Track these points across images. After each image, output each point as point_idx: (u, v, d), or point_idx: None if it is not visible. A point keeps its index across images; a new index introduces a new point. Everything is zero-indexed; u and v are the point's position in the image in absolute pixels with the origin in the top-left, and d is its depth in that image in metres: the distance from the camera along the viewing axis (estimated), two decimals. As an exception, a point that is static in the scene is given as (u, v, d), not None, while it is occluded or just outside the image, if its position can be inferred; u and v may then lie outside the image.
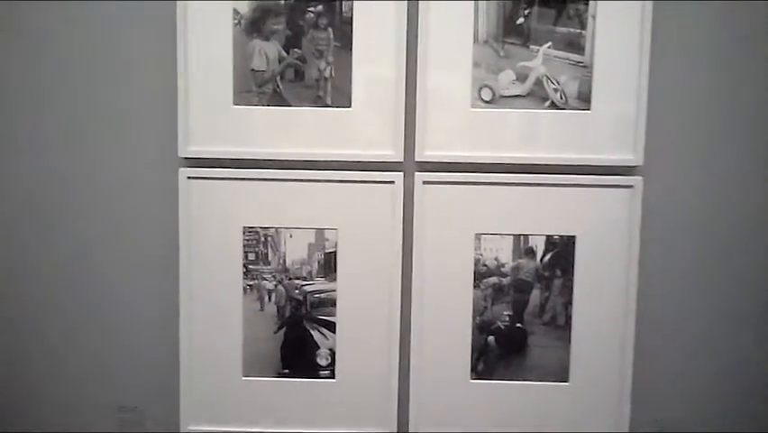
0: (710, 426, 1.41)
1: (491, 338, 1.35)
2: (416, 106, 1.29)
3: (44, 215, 1.38)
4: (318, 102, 1.30)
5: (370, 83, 1.29)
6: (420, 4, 1.27)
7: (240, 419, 1.37)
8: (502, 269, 1.33)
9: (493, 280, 1.33)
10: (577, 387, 1.35)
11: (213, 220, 1.33)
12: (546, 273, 1.33)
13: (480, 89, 1.29)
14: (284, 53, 1.29)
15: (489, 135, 1.30)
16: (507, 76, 1.29)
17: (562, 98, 1.29)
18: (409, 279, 1.33)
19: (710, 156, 1.34)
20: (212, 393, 1.36)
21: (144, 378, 1.41)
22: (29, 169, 1.37)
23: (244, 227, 1.33)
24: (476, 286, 1.33)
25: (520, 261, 1.33)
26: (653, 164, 1.32)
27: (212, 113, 1.30)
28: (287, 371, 1.36)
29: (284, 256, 1.34)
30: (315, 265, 1.34)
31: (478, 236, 1.32)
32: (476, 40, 1.28)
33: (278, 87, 1.30)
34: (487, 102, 1.30)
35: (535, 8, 1.27)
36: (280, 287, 1.34)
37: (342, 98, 1.29)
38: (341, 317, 1.34)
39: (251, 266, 1.34)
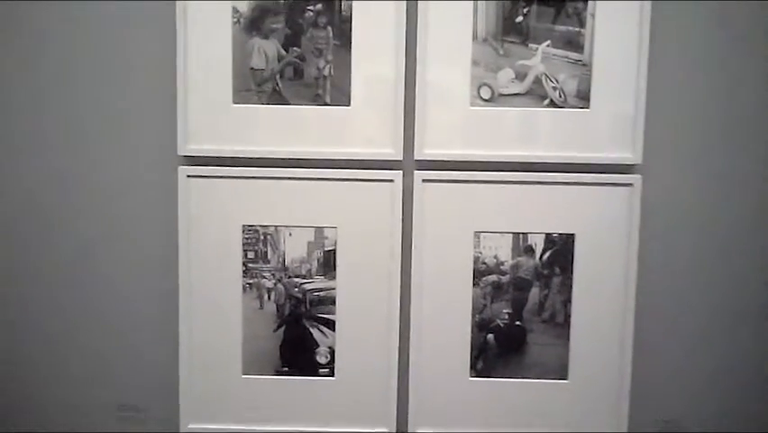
0: (710, 424, 1.41)
1: (490, 336, 1.35)
2: (416, 105, 1.29)
3: (44, 214, 1.38)
4: (318, 100, 1.30)
5: (370, 81, 1.29)
6: (419, 3, 1.27)
7: (239, 418, 1.37)
8: (501, 267, 1.33)
9: (492, 278, 1.33)
10: (576, 385, 1.35)
11: (212, 218, 1.33)
12: (545, 271, 1.33)
13: (480, 88, 1.29)
14: (283, 52, 1.30)
15: (488, 134, 1.30)
16: (507, 74, 1.29)
17: (561, 97, 1.29)
18: (408, 277, 1.33)
19: (709, 154, 1.35)
20: (211, 391, 1.36)
21: (144, 376, 1.42)
22: (28, 168, 1.37)
23: (244, 226, 1.33)
24: (475, 284, 1.33)
25: (519, 259, 1.33)
26: (652, 163, 1.32)
27: (211, 111, 1.30)
28: (286, 369, 1.36)
29: (283, 254, 1.34)
30: (315, 263, 1.34)
31: (477, 234, 1.32)
32: (475, 38, 1.28)
33: (277, 85, 1.30)
34: (486, 100, 1.30)
35: (534, 6, 1.27)
36: (280, 285, 1.34)
37: (342, 97, 1.30)
38: (340, 315, 1.34)
39: (250, 264, 1.34)
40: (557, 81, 1.29)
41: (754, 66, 1.33)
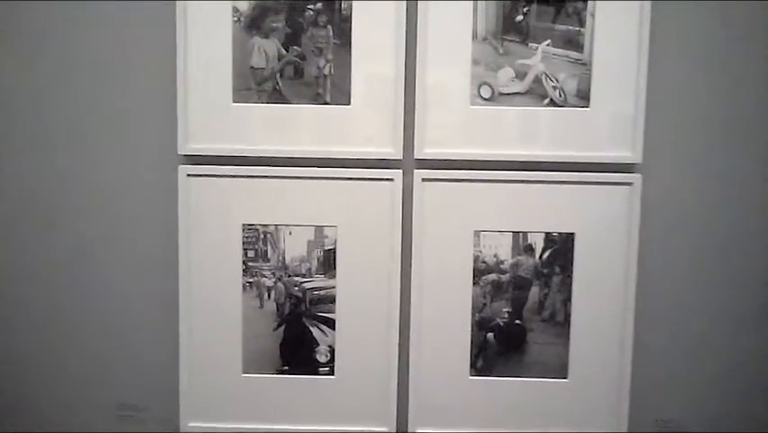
0: (710, 423, 1.41)
1: (490, 335, 1.35)
2: (416, 104, 1.29)
3: (44, 214, 1.38)
4: (318, 99, 1.30)
5: (370, 80, 1.29)
6: (419, 2, 1.27)
7: (239, 416, 1.37)
8: (501, 266, 1.33)
9: (492, 277, 1.34)
10: (576, 384, 1.35)
11: (212, 217, 1.33)
12: (545, 270, 1.33)
13: (480, 87, 1.29)
14: (283, 51, 1.30)
15: (488, 133, 1.30)
16: (507, 73, 1.30)
17: (561, 96, 1.29)
18: (408, 276, 1.33)
19: (709, 154, 1.35)
20: (212, 390, 1.36)
21: (144, 376, 1.41)
22: (29, 168, 1.37)
23: (244, 224, 1.33)
24: (475, 283, 1.33)
25: (519, 258, 1.33)
26: (652, 162, 1.32)
27: (211, 110, 1.30)
28: (286, 368, 1.36)
29: (283, 253, 1.34)
30: (315, 262, 1.34)
31: (477, 233, 1.33)
32: (475, 37, 1.28)
33: (277, 84, 1.30)
34: (486, 99, 1.30)
35: (534, 6, 1.28)
36: (280, 284, 1.34)
37: (342, 96, 1.30)
38: (340, 314, 1.34)
39: (250, 263, 1.34)
40: (557, 80, 1.29)
41: (755, 65, 1.33)
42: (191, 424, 1.37)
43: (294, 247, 1.33)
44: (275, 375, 1.36)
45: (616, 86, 1.29)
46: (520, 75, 1.30)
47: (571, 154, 1.30)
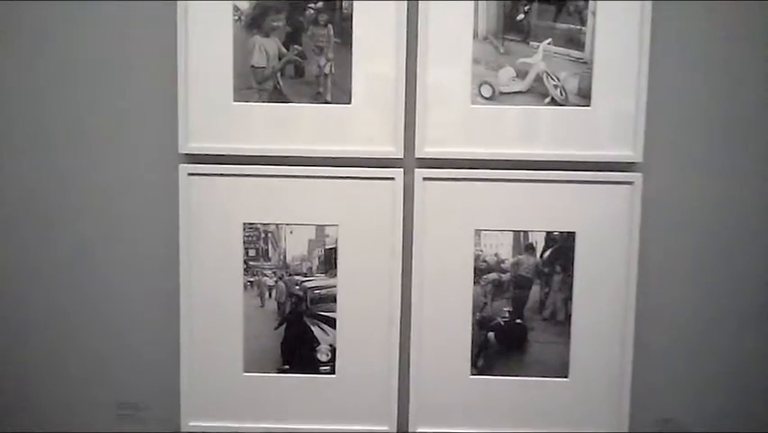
0: (710, 423, 1.41)
1: (491, 334, 1.35)
2: (416, 103, 1.29)
3: (45, 213, 1.38)
4: (318, 98, 1.30)
5: (370, 79, 1.29)
6: (420, 2, 1.27)
7: (240, 416, 1.37)
8: (502, 265, 1.33)
9: (493, 276, 1.33)
10: (577, 383, 1.35)
11: (213, 216, 1.33)
12: (546, 269, 1.33)
13: (480, 86, 1.29)
14: (284, 50, 1.30)
15: (488, 132, 1.30)
16: (507, 72, 1.30)
17: (561, 95, 1.29)
18: (409, 275, 1.33)
19: (710, 153, 1.35)
20: (213, 389, 1.36)
21: (145, 375, 1.41)
22: (29, 167, 1.37)
23: (244, 224, 1.33)
24: (476, 282, 1.33)
25: (520, 257, 1.33)
26: (653, 161, 1.32)
27: (212, 110, 1.30)
28: (287, 367, 1.36)
29: (284, 252, 1.34)
30: (316, 261, 1.34)
31: (478, 232, 1.33)
32: (476, 36, 1.28)
33: (278, 83, 1.30)
34: (487, 98, 1.30)
35: (535, 4, 1.28)
36: (281, 283, 1.34)
37: (343, 95, 1.30)
38: (341, 313, 1.34)
39: (251, 262, 1.34)
40: (558, 79, 1.29)
41: (755, 65, 1.33)
42: (192, 423, 1.37)
43: (295, 246, 1.33)
44: (276, 374, 1.36)
45: (617, 85, 1.29)
46: (521, 74, 1.29)
47: (571, 153, 1.30)
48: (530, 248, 1.33)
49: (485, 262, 1.33)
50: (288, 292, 1.35)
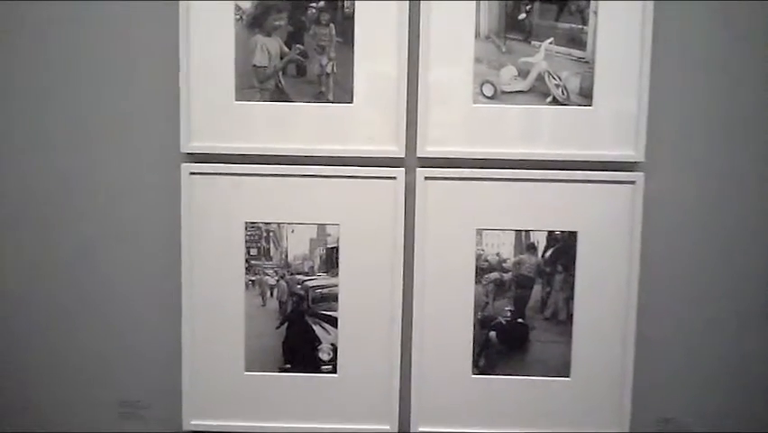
0: (712, 422, 1.41)
1: (493, 334, 1.35)
2: (418, 102, 1.29)
3: (47, 212, 1.38)
4: (320, 98, 1.30)
5: (372, 79, 1.29)
6: (422, 1, 1.27)
7: (242, 415, 1.37)
8: (504, 264, 1.33)
9: (495, 275, 1.33)
10: (578, 382, 1.35)
11: (215, 215, 1.33)
12: (548, 269, 1.33)
13: (482, 85, 1.29)
14: (286, 49, 1.30)
15: (490, 131, 1.30)
16: (509, 71, 1.29)
17: (563, 94, 1.29)
18: (411, 274, 1.33)
19: (712, 152, 1.35)
20: (214, 389, 1.36)
21: (146, 374, 1.42)
22: (32, 167, 1.37)
23: (246, 222, 1.33)
24: (477, 281, 1.33)
25: (522, 256, 1.33)
26: (655, 160, 1.32)
27: (214, 109, 1.30)
28: (288, 366, 1.36)
29: (286, 251, 1.34)
30: (317, 260, 1.34)
31: (479, 232, 1.33)
32: (477, 35, 1.28)
33: (280, 82, 1.30)
34: (488, 98, 1.30)
35: (537, 4, 1.27)
36: (282, 282, 1.34)
37: (344, 94, 1.30)
38: (342, 312, 1.35)
39: (252, 261, 1.34)
40: (560, 78, 1.29)
41: (757, 64, 1.33)
42: (193, 422, 1.37)
43: (296, 245, 1.34)
44: (277, 373, 1.36)
45: (618, 84, 1.29)
46: (523, 73, 1.29)
47: (573, 153, 1.30)
48: (532, 247, 1.33)
49: (487, 261, 1.33)
50: (290, 291, 1.35)
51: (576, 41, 1.28)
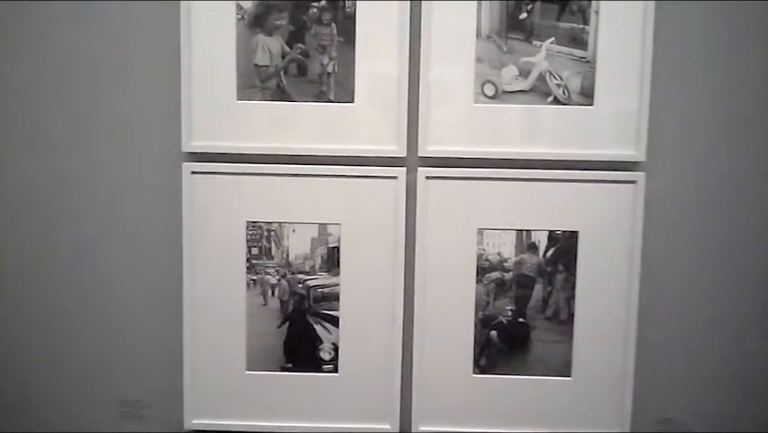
0: (713, 422, 1.41)
1: (494, 333, 1.35)
2: (419, 102, 1.29)
3: (48, 211, 1.38)
4: (321, 97, 1.30)
5: (374, 78, 1.29)
6: (423, 0, 1.27)
7: (243, 414, 1.37)
8: (505, 264, 1.33)
9: (496, 275, 1.34)
10: (579, 382, 1.35)
11: (216, 215, 1.33)
12: (549, 268, 1.33)
13: (483, 85, 1.30)
14: (287, 48, 1.30)
15: (491, 131, 1.30)
16: (510, 71, 1.30)
17: (564, 94, 1.29)
18: (412, 273, 1.33)
19: (713, 152, 1.35)
20: (215, 388, 1.36)
21: (147, 374, 1.41)
22: (33, 166, 1.37)
23: (248, 222, 1.33)
24: (479, 281, 1.33)
25: (523, 256, 1.33)
26: (656, 160, 1.32)
27: (215, 108, 1.30)
28: (290, 365, 1.36)
29: (287, 251, 1.34)
30: (318, 260, 1.34)
31: (480, 231, 1.33)
32: (479, 35, 1.28)
33: (281, 82, 1.30)
34: (489, 97, 1.30)
35: (538, 4, 1.28)
36: (283, 281, 1.34)
37: (346, 94, 1.30)
38: (344, 311, 1.35)
39: (254, 261, 1.34)
40: (561, 78, 1.29)
41: (757, 64, 1.33)
42: (195, 421, 1.37)
43: (298, 245, 1.34)
44: (278, 373, 1.36)
45: (619, 84, 1.29)
46: (524, 73, 1.30)
47: (574, 152, 1.30)
48: (533, 247, 1.33)
49: (488, 260, 1.33)
50: (291, 291, 1.35)
51: (577, 40, 1.28)
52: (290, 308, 1.35)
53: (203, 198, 1.32)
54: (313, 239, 1.33)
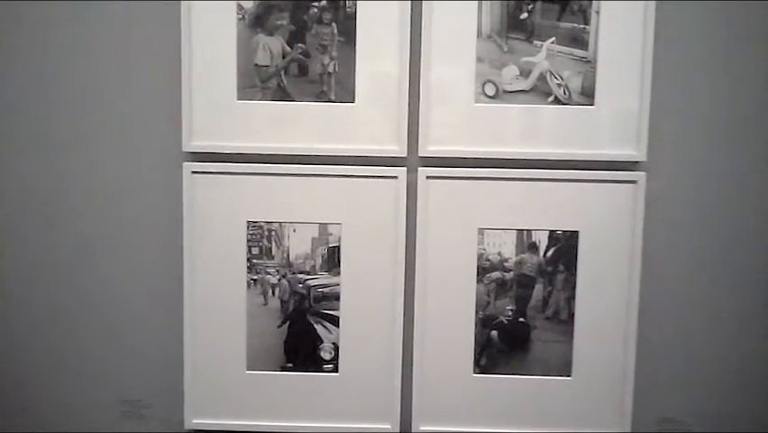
0: (713, 422, 1.41)
1: (494, 333, 1.35)
2: (420, 102, 1.29)
3: (49, 211, 1.38)
4: (322, 97, 1.30)
5: (374, 78, 1.29)
6: (424, 0, 1.27)
7: (243, 414, 1.37)
8: (505, 264, 1.33)
9: (496, 274, 1.34)
10: (580, 382, 1.35)
11: (217, 215, 1.33)
12: (549, 268, 1.34)
13: (484, 84, 1.30)
14: (288, 48, 1.30)
15: (492, 130, 1.30)
16: (511, 71, 1.30)
17: (565, 94, 1.30)
18: (412, 273, 1.33)
19: (713, 152, 1.35)
20: (216, 388, 1.36)
21: (148, 373, 1.41)
22: (34, 166, 1.37)
23: (248, 222, 1.33)
24: (479, 281, 1.33)
25: (523, 256, 1.33)
26: (656, 160, 1.32)
27: (216, 108, 1.30)
28: (290, 365, 1.36)
29: (287, 251, 1.34)
30: (319, 260, 1.34)
31: (481, 231, 1.33)
32: (479, 35, 1.29)
33: (281, 82, 1.30)
34: (490, 97, 1.30)
35: (539, 3, 1.28)
36: (284, 281, 1.34)
37: (346, 93, 1.30)
38: (344, 311, 1.34)
39: (254, 260, 1.34)
40: (562, 78, 1.29)
41: (757, 64, 1.33)
42: (195, 421, 1.37)
43: (298, 244, 1.34)
44: (279, 372, 1.36)
45: (620, 84, 1.29)
46: (524, 73, 1.30)
47: (575, 152, 1.30)
48: (533, 247, 1.33)
49: (488, 260, 1.33)
50: (292, 290, 1.35)
51: (578, 40, 1.28)
52: (291, 307, 1.35)
53: (203, 197, 1.32)
54: (313, 239, 1.33)
